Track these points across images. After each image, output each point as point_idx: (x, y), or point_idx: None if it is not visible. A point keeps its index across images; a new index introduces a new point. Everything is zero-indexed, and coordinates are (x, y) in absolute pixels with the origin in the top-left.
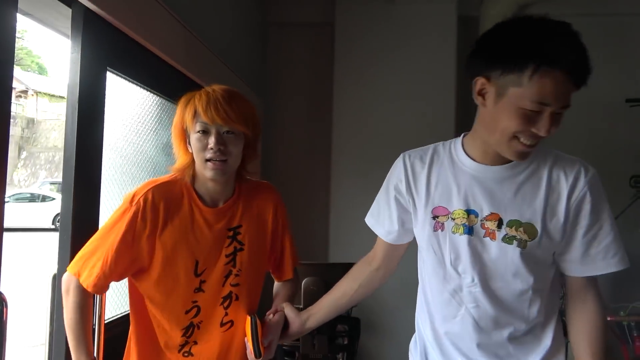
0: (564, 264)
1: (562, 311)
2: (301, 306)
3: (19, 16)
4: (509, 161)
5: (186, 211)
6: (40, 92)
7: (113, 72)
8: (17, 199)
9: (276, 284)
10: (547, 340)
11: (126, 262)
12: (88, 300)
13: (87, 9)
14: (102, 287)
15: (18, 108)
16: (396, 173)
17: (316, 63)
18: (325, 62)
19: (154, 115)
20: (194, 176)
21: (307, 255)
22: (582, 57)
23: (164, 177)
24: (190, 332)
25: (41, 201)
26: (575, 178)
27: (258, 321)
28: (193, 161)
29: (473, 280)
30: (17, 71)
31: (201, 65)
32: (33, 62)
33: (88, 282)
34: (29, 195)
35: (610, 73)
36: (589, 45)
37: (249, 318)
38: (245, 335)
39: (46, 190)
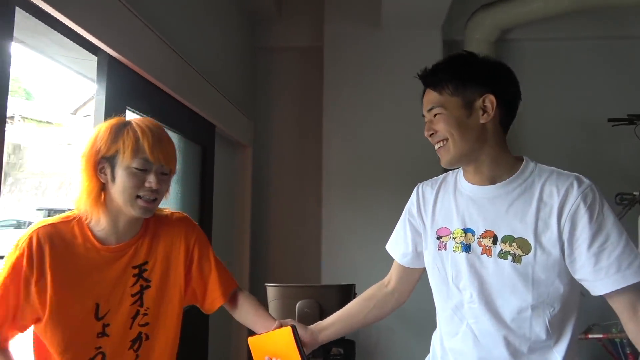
0: (586, 285)
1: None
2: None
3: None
4: (502, 180)
5: (81, 252)
6: (27, 118)
7: (131, 110)
8: (2, 226)
9: (238, 312)
10: None
11: (15, 311)
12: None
13: (110, 56)
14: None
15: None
16: (411, 200)
17: (305, 86)
18: (314, 85)
19: None
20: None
21: (299, 278)
22: (433, 69)
23: (54, 218)
24: None
25: (27, 228)
26: (567, 191)
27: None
28: (101, 192)
29: (472, 297)
30: None
31: (198, 93)
32: (20, 87)
33: None
34: (14, 222)
35: (594, 94)
36: (570, 68)
37: (289, 328)
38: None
39: (32, 217)
